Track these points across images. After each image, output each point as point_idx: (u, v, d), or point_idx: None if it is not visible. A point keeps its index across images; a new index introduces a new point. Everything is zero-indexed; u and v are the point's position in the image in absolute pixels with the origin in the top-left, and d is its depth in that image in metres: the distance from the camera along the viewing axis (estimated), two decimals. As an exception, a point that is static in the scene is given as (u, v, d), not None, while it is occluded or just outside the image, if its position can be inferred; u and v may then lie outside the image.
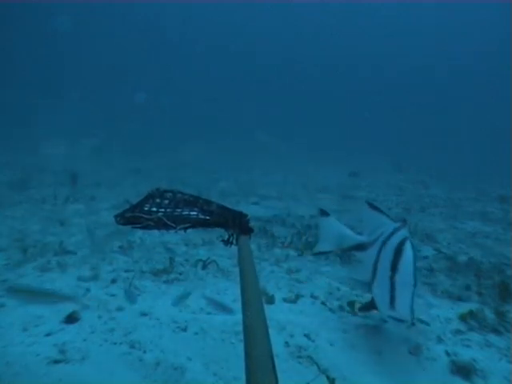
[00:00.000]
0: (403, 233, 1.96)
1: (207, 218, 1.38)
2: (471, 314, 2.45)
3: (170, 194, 1.65)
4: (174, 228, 1.26)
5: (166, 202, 1.55)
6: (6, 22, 29.47)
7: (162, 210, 1.41)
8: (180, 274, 2.93)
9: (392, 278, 1.79)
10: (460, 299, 2.78)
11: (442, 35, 37.35)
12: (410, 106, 36.96)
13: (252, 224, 1.46)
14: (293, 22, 39.64)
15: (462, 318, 2.45)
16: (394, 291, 1.77)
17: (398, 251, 1.83)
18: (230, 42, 39.84)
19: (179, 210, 1.42)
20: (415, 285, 1.79)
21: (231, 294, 2.64)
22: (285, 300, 2.60)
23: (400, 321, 1.77)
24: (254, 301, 0.73)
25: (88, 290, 2.52)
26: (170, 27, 38.92)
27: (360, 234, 2.36)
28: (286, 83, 40.44)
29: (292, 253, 3.65)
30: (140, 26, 37.23)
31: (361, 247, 2.22)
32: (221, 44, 39.64)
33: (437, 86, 37.90)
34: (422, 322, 2.39)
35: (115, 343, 1.93)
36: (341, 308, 2.52)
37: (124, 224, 1.29)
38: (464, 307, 2.58)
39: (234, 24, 39.70)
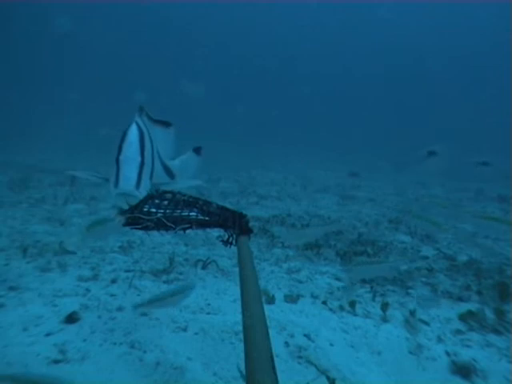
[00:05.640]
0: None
1: (206, 218, 1.38)
2: (471, 313, 2.45)
3: (170, 194, 1.66)
4: (174, 229, 1.26)
5: (166, 202, 1.55)
6: (5, 22, 29.43)
7: (162, 210, 1.41)
8: (180, 273, 2.94)
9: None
10: (460, 299, 2.78)
11: (441, 35, 37.30)
12: (410, 106, 36.94)
13: (252, 224, 1.46)
14: (292, 21, 39.59)
15: (462, 318, 2.45)
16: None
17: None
18: (230, 42, 39.81)
19: (179, 211, 1.42)
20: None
21: (231, 294, 2.64)
22: (285, 300, 2.60)
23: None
24: (253, 301, 0.73)
25: (88, 290, 2.52)
26: (172, 27, 38.89)
27: None
28: (285, 84, 40.41)
29: (292, 253, 3.65)
30: (141, 26, 37.19)
31: None
32: (219, 44, 39.59)
33: (436, 86, 37.87)
34: (422, 322, 2.40)
35: (115, 343, 1.93)
36: (341, 308, 2.52)
37: (124, 225, 1.29)
38: (464, 307, 2.59)
39: (235, 24, 39.66)
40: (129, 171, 1.78)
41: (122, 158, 1.80)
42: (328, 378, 1.75)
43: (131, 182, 1.76)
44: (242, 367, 1.45)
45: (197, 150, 2.62)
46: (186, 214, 1.39)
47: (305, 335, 2.15)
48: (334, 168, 12.22)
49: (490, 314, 2.48)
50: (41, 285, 2.54)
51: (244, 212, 1.57)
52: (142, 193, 1.80)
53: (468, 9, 35.29)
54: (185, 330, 2.12)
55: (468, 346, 2.16)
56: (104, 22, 35.83)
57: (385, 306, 2.46)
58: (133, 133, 1.88)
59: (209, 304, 2.46)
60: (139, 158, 1.83)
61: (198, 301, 2.49)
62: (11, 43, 30.84)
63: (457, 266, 3.46)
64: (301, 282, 2.97)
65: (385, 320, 2.39)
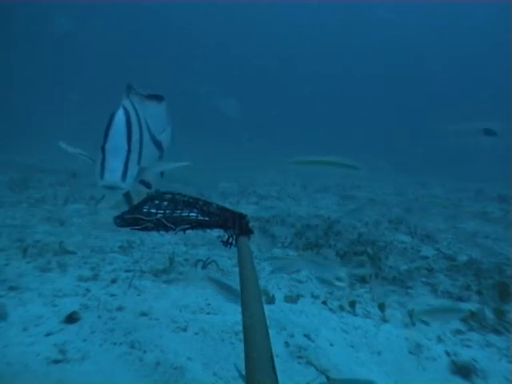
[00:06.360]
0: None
1: (206, 219, 1.38)
2: (471, 313, 2.46)
3: (170, 195, 1.66)
4: (174, 229, 1.26)
5: (166, 203, 1.55)
6: (5, 22, 29.43)
7: (162, 211, 1.41)
8: (180, 273, 2.94)
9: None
10: (460, 299, 2.78)
11: (441, 35, 37.30)
12: (410, 106, 36.95)
13: (251, 224, 1.46)
14: (292, 21, 39.61)
15: (462, 317, 2.45)
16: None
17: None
18: (230, 42, 39.83)
19: (178, 212, 1.42)
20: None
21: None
22: (285, 300, 2.60)
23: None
24: (253, 301, 0.73)
25: (88, 290, 2.52)
26: (172, 27, 38.89)
27: None
28: (285, 84, 40.43)
29: (292, 253, 3.65)
30: (141, 26, 37.20)
31: None
32: (219, 44, 39.59)
33: (437, 86, 37.88)
34: (422, 321, 2.40)
35: (115, 343, 1.93)
36: (341, 308, 2.52)
37: (123, 226, 1.29)
38: (464, 307, 2.59)
39: (235, 24, 39.68)
40: (114, 162, 1.71)
41: (107, 146, 1.72)
42: (328, 378, 1.75)
43: (117, 173, 1.69)
44: (240, 367, 1.47)
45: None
46: (186, 214, 1.39)
47: (305, 335, 2.15)
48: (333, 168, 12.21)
49: (489, 314, 2.48)
50: (41, 285, 2.54)
51: (244, 212, 1.57)
52: (129, 183, 1.75)
53: (468, 9, 35.26)
54: (185, 330, 2.12)
55: (468, 346, 2.16)
56: (104, 22, 35.81)
57: (382, 306, 2.46)
58: (119, 119, 1.78)
59: (209, 304, 2.46)
60: (126, 146, 1.75)
61: (197, 301, 2.49)
62: (11, 43, 30.83)
63: (457, 266, 3.46)
64: (301, 282, 2.97)
65: (385, 320, 2.39)
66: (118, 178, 1.69)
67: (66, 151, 2.06)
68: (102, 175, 1.68)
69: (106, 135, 1.74)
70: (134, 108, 1.98)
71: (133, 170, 1.78)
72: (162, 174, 2.43)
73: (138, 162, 1.88)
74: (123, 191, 1.80)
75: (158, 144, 2.30)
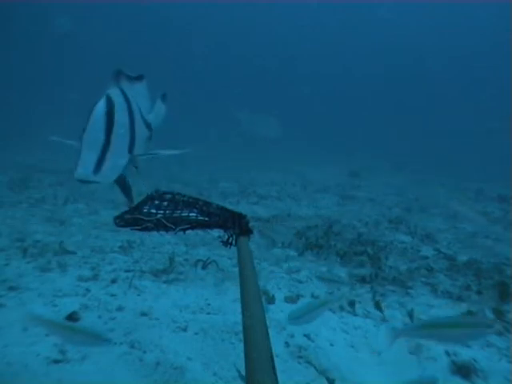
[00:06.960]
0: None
1: (206, 219, 1.38)
2: (471, 314, 2.45)
3: (169, 195, 1.66)
4: (173, 229, 1.26)
5: (165, 203, 1.55)
6: (5, 22, 29.43)
7: (161, 211, 1.41)
8: (180, 273, 2.94)
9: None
10: (460, 299, 2.78)
11: (441, 35, 37.29)
12: (410, 106, 36.95)
13: (251, 224, 1.46)
14: (292, 21, 39.62)
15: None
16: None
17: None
18: (230, 42, 39.83)
19: (178, 212, 1.42)
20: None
21: (232, 294, 2.65)
22: (285, 300, 2.60)
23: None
24: (253, 301, 0.73)
25: (88, 290, 2.52)
26: (172, 27, 38.89)
27: None
28: (285, 84, 40.41)
29: (292, 253, 3.65)
30: (141, 26, 37.20)
31: None
32: (219, 44, 39.59)
33: (436, 86, 37.86)
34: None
35: (115, 343, 1.93)
36: (341, 308, 2.52)
37: (123, 226, 1.29)
38: (464, 307, 2.59)
39: (235, 24, 39.67)
40: (88, 155, 1.65)
41: (84, 139, 1.67)
42: (328, 378, 1.75)
43: (88, 167, 1.63)
44: (240, 367, 1.47)
45: (163, 97, 2.61)
46: (186, 214, 1.39)
47: (305, 335, 2.15)
48: (333, 168, 12.22)
49: (489, 314, 2.48)
50: (41, 285, 2.54)
51: (244, 212, 1.57)
52: (107, 175, 1.70)
53: (468, 9, 35.24)
54: (185, 330, 2.12)
55: (468, 346, 2.16)
56: (104, 22, 35.79)
57: (378, 305, 2.46)
58: (98, 110, 1.71)
59: (209, 304, 2.46)
60: (103, 138, 1.68)
61: (197, 301, 2.49)
62: (11, 43, 30.81)
63: (457, 265, 3.46)
64: (301, 282, 2.97)
65: (385, 320, 2.39)
66: (89, 171, 1.64)
67: (60, 143, 2.05)
68: (75, 168, 1.64)
69: (85, 127, 1.71)
70: (124, 95, 1.92)
71: (114, 161, 1.72)
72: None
73: (130, 150, 1.85)
74: (102, 184, 1.75)
75: (147, 125, 2.28)
